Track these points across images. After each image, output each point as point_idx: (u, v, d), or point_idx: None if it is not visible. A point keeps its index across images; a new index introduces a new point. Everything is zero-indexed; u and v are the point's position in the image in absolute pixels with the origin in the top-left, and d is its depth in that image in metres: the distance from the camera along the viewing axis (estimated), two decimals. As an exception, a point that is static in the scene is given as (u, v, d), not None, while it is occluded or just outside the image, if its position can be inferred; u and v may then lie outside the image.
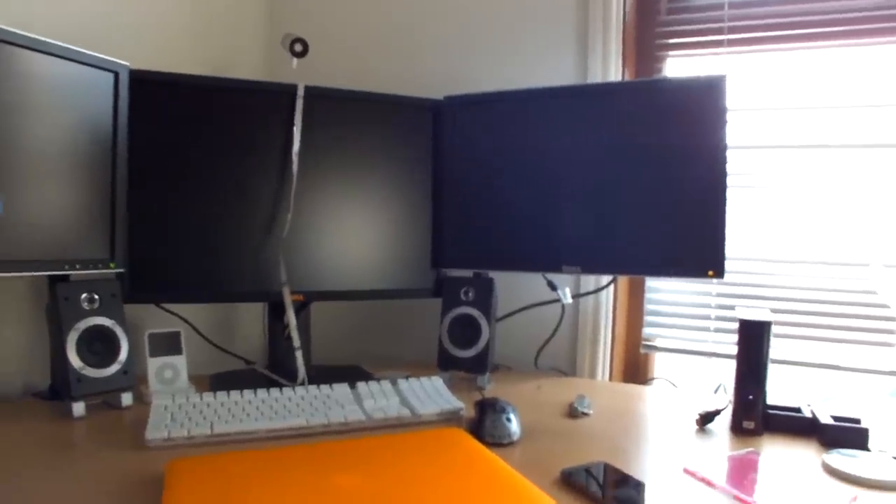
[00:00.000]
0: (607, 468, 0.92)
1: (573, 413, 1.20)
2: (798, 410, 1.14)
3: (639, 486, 0.85)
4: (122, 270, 1.23)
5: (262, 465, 0.86)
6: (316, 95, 1.38)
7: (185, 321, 1.43)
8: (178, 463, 0.86)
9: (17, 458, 0.93)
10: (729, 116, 1.25)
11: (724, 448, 1.04)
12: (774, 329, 1.42)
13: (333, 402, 1.14)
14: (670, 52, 1.54)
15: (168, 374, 1.25)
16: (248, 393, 1.14)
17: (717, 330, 1.50)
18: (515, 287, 1.61)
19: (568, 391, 1.37)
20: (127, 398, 1.18)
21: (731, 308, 1.48)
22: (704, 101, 1.25)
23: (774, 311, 1.43)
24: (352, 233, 1.42)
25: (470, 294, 1.41)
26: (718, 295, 1.50)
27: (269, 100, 1.35)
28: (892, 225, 1.35)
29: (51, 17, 1.27)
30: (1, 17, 1.10)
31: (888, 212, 1.35)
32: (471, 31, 1.66)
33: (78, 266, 1.14)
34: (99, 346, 1.14)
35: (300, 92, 1.35)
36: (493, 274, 1.45)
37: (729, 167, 1.25)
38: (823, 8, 1.39)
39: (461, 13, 1.67)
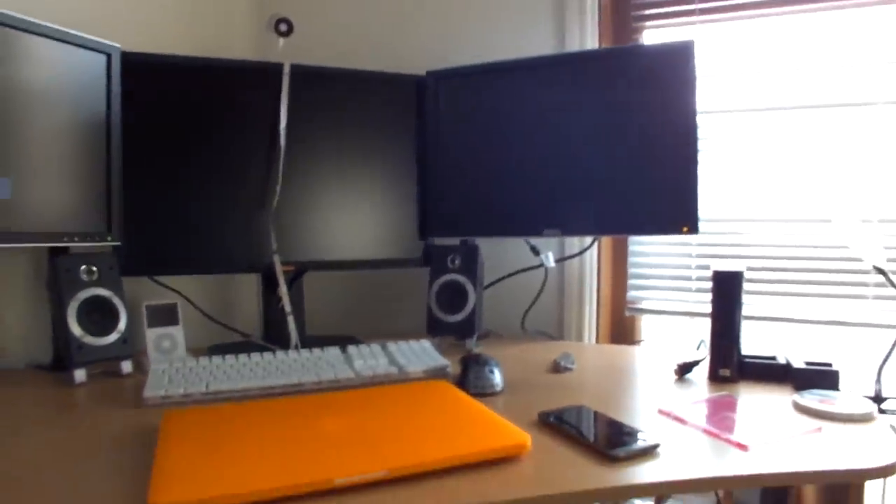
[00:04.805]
0: (583, 410, 0.96)
1: (557, 368, 1.24)
2: (773, 359, 1.18)
3: (612, 424, 0.90)
4: (118, 244, 1.27)
5: (254, 414, 0.91)
6: (302, 73, 1.41)
7: (182, 295, 1.48)
8: (174, 412, 0.91)
9: (21, 416, 0.97)
10: (702, 82, 1.28)
11: (702, 395, 1.07)
12: (753, 286, 1.46)
13: (325, 363, 1.19)
14: (646, 24, 1.58)
15: (166, 343, 1.30)
16: (242, 357, 1.19)
17: (699, 290, 1.54)
18: (501, 255, 1.66)
19: (554, 352, 1.41)
20: (126, 366, 1.22)
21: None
22: (675, 66, 1.28)
23: (752, 268, 1.47)
24: (340, 205, 1.46)
25: (456, 261, 1.45)
26: (698, 256, 1.53)
27: (257, 78, 1.39)
28: (861, 181, 1.38)
29: (46, 3, 1.31)
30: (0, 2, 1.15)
31: (857, 169, 1.39)
32: (451, 7, 1.69)
33: (77, 238, 1.19)
34: (98, 315, 1.19)
35: (286, 70, 1.39)
36: (479, 242, 1.49)
37: (703, 129, 1.29)
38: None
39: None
